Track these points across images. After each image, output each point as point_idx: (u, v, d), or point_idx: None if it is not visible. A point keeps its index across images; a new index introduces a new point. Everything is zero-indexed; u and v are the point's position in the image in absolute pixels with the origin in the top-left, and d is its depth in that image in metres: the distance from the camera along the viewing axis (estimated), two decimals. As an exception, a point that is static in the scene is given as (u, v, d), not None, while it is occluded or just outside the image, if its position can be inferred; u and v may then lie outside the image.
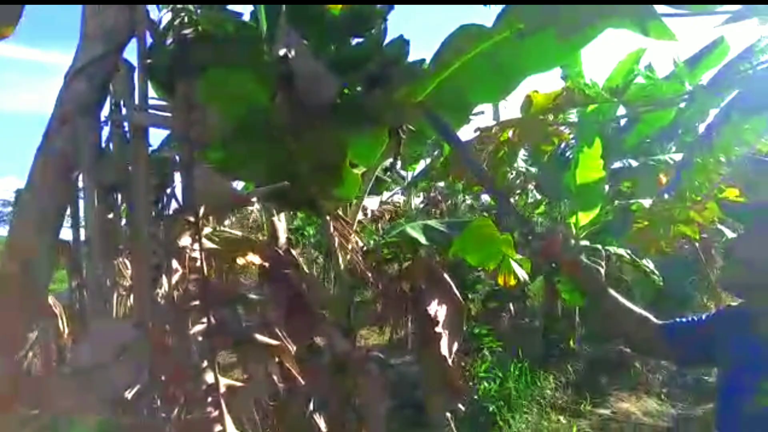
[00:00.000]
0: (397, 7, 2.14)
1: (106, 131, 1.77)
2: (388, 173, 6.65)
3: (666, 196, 2.98)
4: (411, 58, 2.14)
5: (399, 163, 2.65)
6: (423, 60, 2.10)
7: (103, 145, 1.75)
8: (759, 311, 1.33)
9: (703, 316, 1.59)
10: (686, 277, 6.93)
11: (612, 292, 1.67)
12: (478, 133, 2.30)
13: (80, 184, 1.70)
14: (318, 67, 1.82)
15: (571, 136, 4.94)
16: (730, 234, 4.46)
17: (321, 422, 2.70)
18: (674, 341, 1.54)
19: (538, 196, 8.03)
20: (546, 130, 2.12)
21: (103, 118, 1.79)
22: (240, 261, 2.48)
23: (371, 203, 7.30)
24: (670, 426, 4.97)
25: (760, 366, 1.25)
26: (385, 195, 10.10)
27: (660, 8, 2.26)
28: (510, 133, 2.20)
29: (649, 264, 5.27)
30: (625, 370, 5.97)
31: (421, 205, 10.24)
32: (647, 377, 5.89)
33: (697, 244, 6.97)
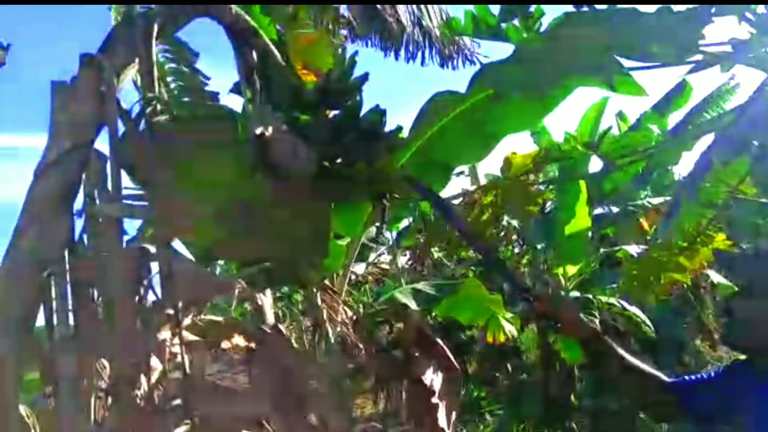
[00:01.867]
0: (372, 77, 2.15)
1: (80, 224, 1.71)
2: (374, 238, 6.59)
3: (658, 240, 2.99)
4: (389, 126, 2.13)
5: (384, 230, 2.61)
6: (401, 128, 2.10)
7: (77, 238, 1.69)
8: None
9: (712, 374, 1.54)
10: (678, 322, 6.87)
11: (616, 348, 1.60)
12: (460, 198, 2.30)
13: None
14: (296, 144, 1.79)
15: (551, 188, 4.97)
16: (715, 276, 4.45)
17: None
18: (689, 399, 1.47)
19: (524, 247, 8.01)
20: (528, 191, 2.11)
21: (76, 211, 1.74)
22: (225, 345, 2.36)
23: (357, 268, 7.20)
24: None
25: None
26: (371, 256, 10.02)
27: (627, 63, 2.31)
28: (492, 195, 2.20)
29: (639, 313, 5.21)
30: (630, 422, 5.80)
31: (407, 264, 10.14)
32: (653, 429, 5.73)
33: (684, 286, 6.97)
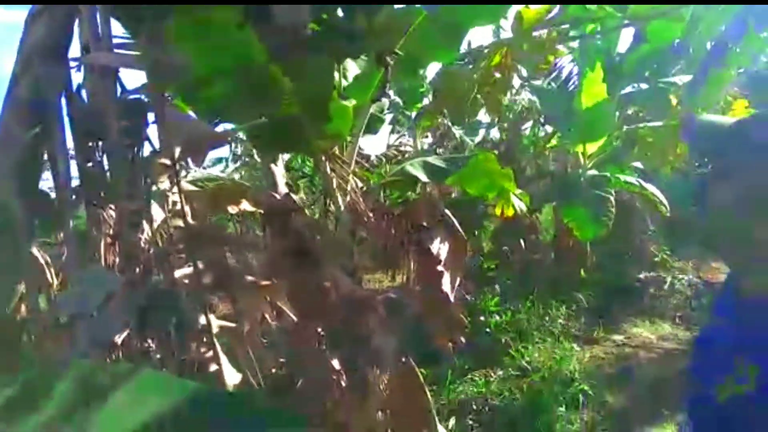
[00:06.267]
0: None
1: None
2: (389, 110, 6.49)
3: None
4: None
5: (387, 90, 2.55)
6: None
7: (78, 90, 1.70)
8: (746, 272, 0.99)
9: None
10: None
11: None
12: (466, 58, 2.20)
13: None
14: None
15: (573, 63, 4.75)
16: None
17: (334, 360, 2.71)
18: None
19: (549, 129, 7.84)
20: (539, 47, 2.00)
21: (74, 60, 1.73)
22: (232, 209, 2.42)
23: (376, 147, 7.17)
24: (684, 349, 4.97)
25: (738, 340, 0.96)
26: (392, 138, 9.98)
27: None
28: (501, 55, 2.10)
29: (656, 192, 5.15)
30: (638, 297, 5.96)
31: (428, 147, 10.07)
32: (660, 302, 5.88)
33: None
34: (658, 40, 5.49)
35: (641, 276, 6.26)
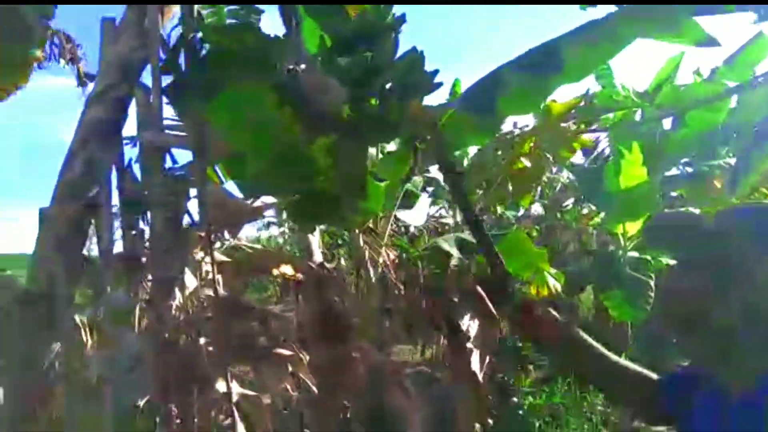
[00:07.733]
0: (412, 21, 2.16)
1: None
2: (427, 185, 6.60)
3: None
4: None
5: (415, 173, 2.65)
6: (437, 71, 2.10)
7: (132, 164, 1.85)
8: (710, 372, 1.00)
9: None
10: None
11: (598, 350, 1.38)
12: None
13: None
14: (326, 80, 1.85)
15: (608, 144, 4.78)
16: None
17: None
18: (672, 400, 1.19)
19: (593, 207, 7.77)
20: (565, 138, 2.07)
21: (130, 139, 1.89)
22: (275, 272, 2.51)
23: (416, 219, 7.24)
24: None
25: None
26: (432, 209, 10.09)
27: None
28: (531, 144, 2.17)
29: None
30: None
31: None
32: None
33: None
34: (699, 125, 5.48)
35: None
